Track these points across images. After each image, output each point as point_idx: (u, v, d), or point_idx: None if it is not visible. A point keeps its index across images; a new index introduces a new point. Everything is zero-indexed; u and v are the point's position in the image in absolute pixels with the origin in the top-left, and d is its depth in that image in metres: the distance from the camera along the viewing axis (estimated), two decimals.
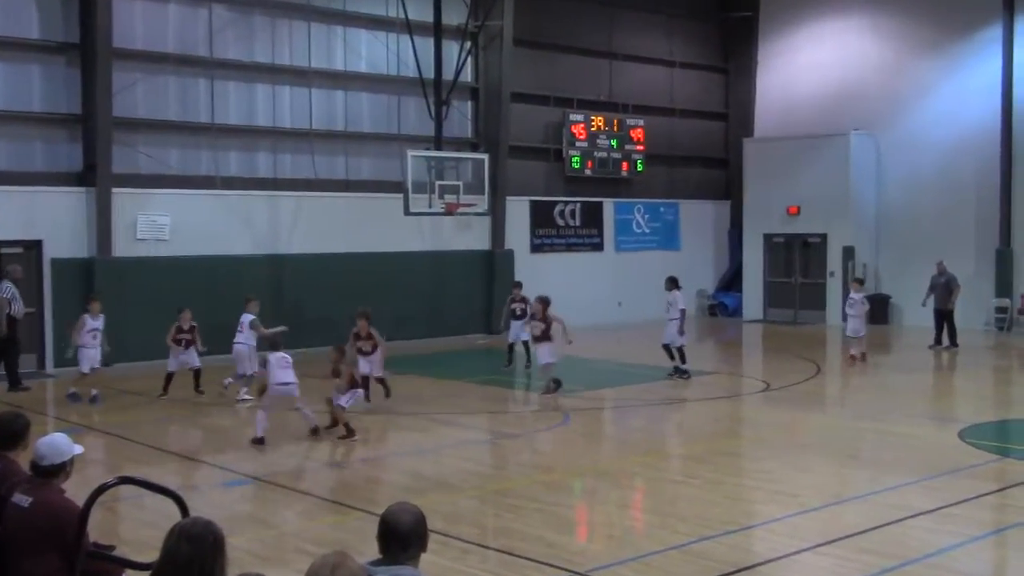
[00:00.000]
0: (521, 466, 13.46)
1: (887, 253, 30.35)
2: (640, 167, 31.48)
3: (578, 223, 30.45)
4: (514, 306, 21.94)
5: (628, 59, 31.77)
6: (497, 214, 27.90)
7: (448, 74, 25.48)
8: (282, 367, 14.63)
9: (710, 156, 34.39)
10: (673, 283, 20.39)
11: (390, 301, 25.75)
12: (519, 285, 22.54)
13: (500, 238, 28.26)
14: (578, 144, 30.04)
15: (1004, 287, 27.91)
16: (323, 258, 24.85)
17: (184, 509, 5.68)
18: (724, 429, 15.89)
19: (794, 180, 30.85)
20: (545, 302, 19.16)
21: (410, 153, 23.55)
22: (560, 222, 30.05)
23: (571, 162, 29.96)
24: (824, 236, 30.61)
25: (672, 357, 20.12)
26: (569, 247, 30.27)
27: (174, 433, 15.57)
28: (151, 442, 14.42)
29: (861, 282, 24.45)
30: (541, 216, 29.59)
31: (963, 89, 28.75)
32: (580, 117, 30.11)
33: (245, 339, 18.10)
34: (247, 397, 17.52)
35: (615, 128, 30.83)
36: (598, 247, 30.98)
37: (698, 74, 33.82)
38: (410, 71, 25.79)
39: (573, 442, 14.71)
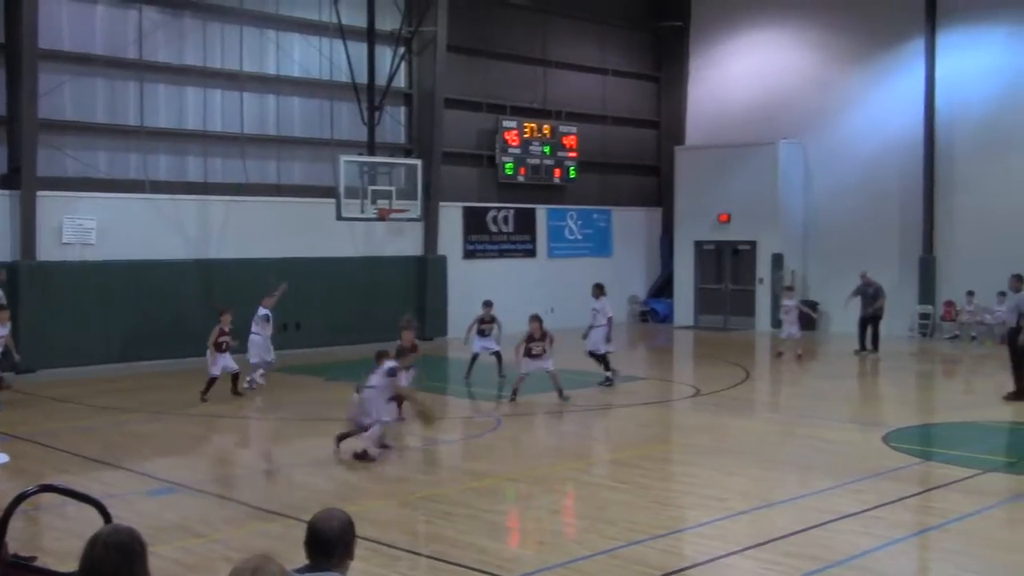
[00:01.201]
0: (453, 472, 13.41)
1: (815, 260, 30.81)
2: (573, 174, 31.62)
3: (511, 229, 30.49)
4: (483, 327, 21.19)
5: (561, 67, 31.91)
6: (430, 220, 27.83)
7: (381, 79, 25.38)
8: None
9: (642, 164, 34.64)
10: (600, 290, 20.49)
11: (322, 307, 25.61)
12: (489, 304, 21.64)
13: (433, 244, 28.20)
14: (511, 151, 30.09)
15: (927, 294, 28.48)
16: (254, 263, 24.57)
17: (107, 517, 5.57)
18: (654, 434, 15.98)
19: (724, 188, 31.19)
20: (540, 319, 18.72)
21: (342, 158, 23.42)
22: (493, 228, 30.06)
23: (504, 168, 29.99)
24: (754, 243, 30.98)
25: (603, 364, 20.24)
26: (502, 253, 30.29)
27: (98, 440, 15.27)
28: (74, 449, 14.13)
29: (791, 289, 25.22)
30: (474, 222, 29.58)
31: (888, 100, 29.31)
32: (513, 124, 30.16)
33: (260, 330, 19.37)
34: (260, 382, 19.18)
35: (548, 135, 30.93)
36: (531, 253, 31.04)
37: (630, 82, 34.06)
38: (343, 76, 25.64)
39: (505, 448, 14.68)
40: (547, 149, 30.95)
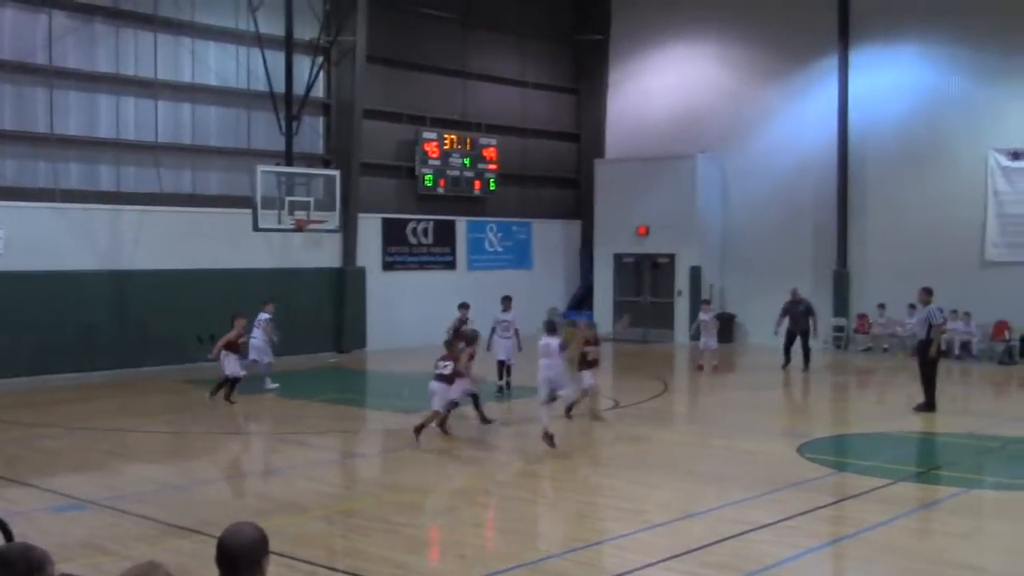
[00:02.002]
0: (371, 486, 13.33)
1: (732, 273, 31.23)
2: (493, 186, 31.69)
3: (430, 241, 30.43)
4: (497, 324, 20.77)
5: (482, 79, 31.98)
6: (348, 231, 27.66)
7: (300, 89, 25.20)
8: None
9: (562, 176, 34.84)
10: (509, 302, 20.99)
11: None
12: (708, 301, 23.20)
13: (351, 255, 28.03)
14: (431, 162, 30.05)
15: (841, 307, 29.04)
16: (168, 274, 24.20)
17: (8, 535, 5.41)
18: (573, 447, 16.04)
19: (643, 201, 31.50)
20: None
21: (260, 168, 23.20)
22: (412, 240, 29.97)
23: (424, 180, 29.94)
24: (672, 256, 31.32)
25: (507, 373, 20.49)
26: (421, 265, 30.22)
27: (3, 456, 14.87)
28: None
29: (708, 303, 25.59)
30: (393, 234, 29.47)
31: (803, 115, 29.89)
32: (433, 135, 30.14)
33: (260, 333, 20.76)
34: (273, 386, 20.67)
35: (468, 147, 30.97)
36: (451, 265, 31.01)
37: (550, 95, 34.27)
38: (261, 85, 25.38)
39: (423, 462, 14.62)
40: (467, 161, 30.97)
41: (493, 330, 20.68)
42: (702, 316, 24.76)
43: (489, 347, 20.43)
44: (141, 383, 22.10)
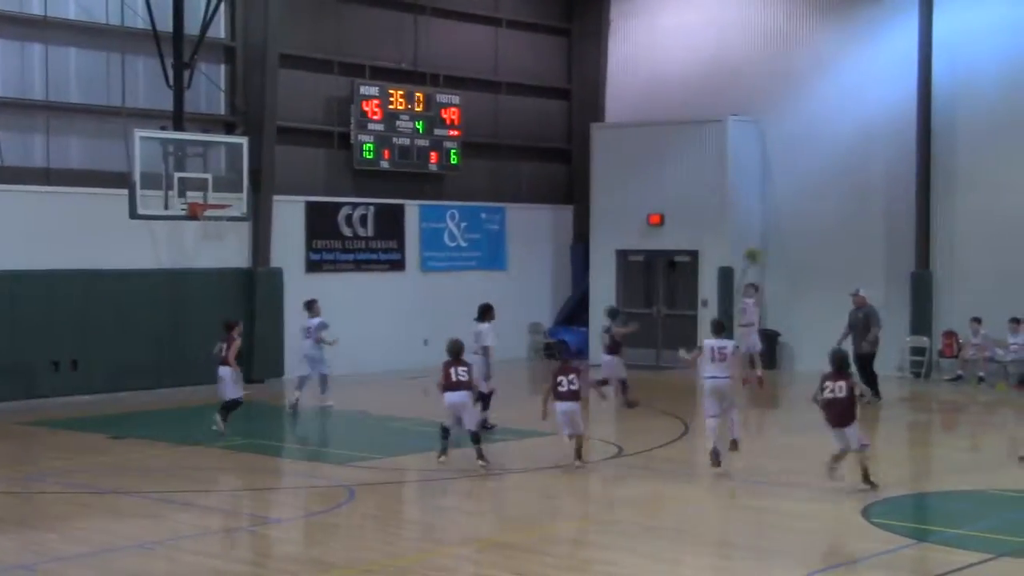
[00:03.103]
0: (288, 562, 13.22)
1: (775, 278, 31.19)
2: (455, 159, 31.61)
3: (371, 233, 30.33)
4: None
5: (439, 14, 31.93)
6: (260, 219, 27.54)
7: (193, 27, 25.07)
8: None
9: (547, 146, 34.80)
10: (489, 312, 21.27)
11: (109, 338, 25.11)
12: (615, 312, 24.81)
13: (264, 252, 27.91)
14: (371, 127, 29.96)
15: (922, 322, 29.03)
16: (11, 278, 24.02)
17: None
18: (562, 509, 15.97)
19: (657, 180, 31.48)
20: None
21: (139, 133, 23.10)
22: (347, 231, 29.86)
23: (362, 151, 29.84)
24: (695, 254, 31.30)
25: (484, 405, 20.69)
26: (359, 265, 30.11)
27: None
28: None
29: (756, 288, 25.57)
30: (321, 223, 29.35)
31: (870, 65, 29.90)
32: (374, 90, 30.05)
33: (310, 343, 23.56)
34: (329, 403, 23.65)
35: (421, 106, 30.89)
36: (398, 265, 30.91)
37: (531, 37, 34.24)
38: (140, 22, 25.24)
39: (360, 528, 14.54)
40: (420, 125, 30.88)
41: None
42: (745, 300, 24.96)
43: None
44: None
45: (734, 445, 17.75)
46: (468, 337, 20.63)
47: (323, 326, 23.83)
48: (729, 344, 18.04)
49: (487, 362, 20.81)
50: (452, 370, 17.88)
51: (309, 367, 23.81)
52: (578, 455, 17.81)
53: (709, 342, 17.85)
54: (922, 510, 15.99)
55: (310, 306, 24.11)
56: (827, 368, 16.66)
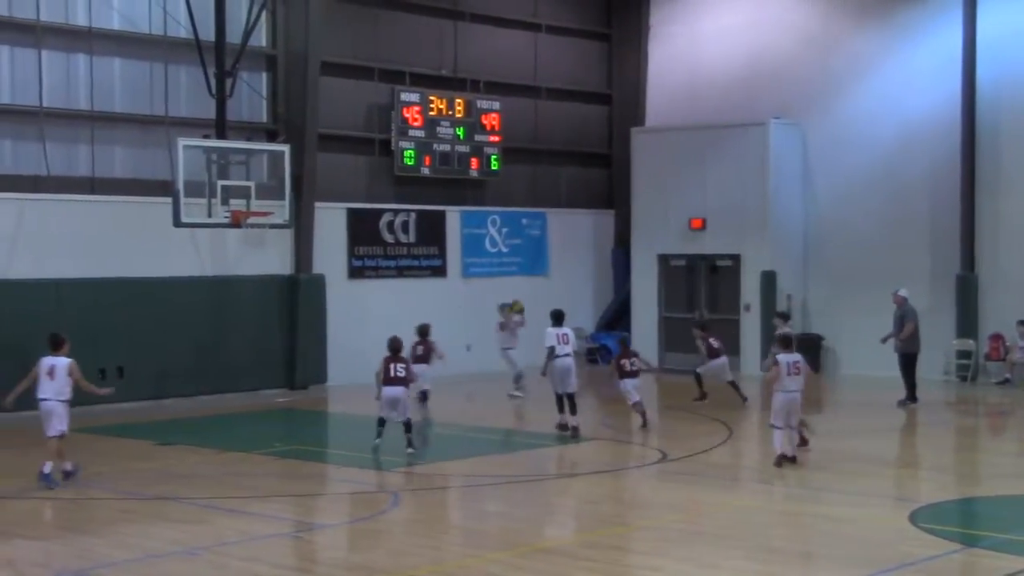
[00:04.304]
0: (333, 568, 13.26)
1: (817, 281, 31.12)
2: (495, 165, 31.66)
3: (412, 239, 30.39)
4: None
5: (479, 20, 31.98)
6: (303, 227, 27.64)
7: (235, 36, 25.17)
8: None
9: (588, 151, 34.81)
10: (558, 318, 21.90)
11: (152, 346, 25.24)
12: (786, 317, 25.61)
13: (306, 259, 28.00)
14: (412, 133, 30.04)
15: (968, 325, 28.87)
16: (58, 286, 24.18)
17: None
18: (606, 514, 15.94)
19: (698, 184, 31.43)
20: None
21: (182, 142, 23.16)
22: (388, 238, 29.94)
23: (403, 157, 29.93)
24: (737, 258, 31.24)
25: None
26: (401, 271, 30.18)
27: None
28: None
29: (786, 318, 25.46)
30: (363, 229, 29.44)
31: (914, 67, 29.79)
32: (415, 97, 30.13)
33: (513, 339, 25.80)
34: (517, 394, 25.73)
35: (462, 112, 30.95)
36: (440, 272, 30.97)
37: (571, 42, 34.26)
38: (182, 31, 25.40)
39: (404, 534, 14.57)
40: (461, 131, 30.95)
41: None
42: (779, 333, 24.75)
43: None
44: (20, 432, 22.04)
45: (794, 460, 18.12)
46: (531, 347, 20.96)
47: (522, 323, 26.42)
48: (801, 358, 18.43)
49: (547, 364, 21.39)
50: (391, 366, 19.20)
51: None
52: (643, 421, 21.71)
53: (783, 357, 18.21)
54: (970, 515, 15.87)
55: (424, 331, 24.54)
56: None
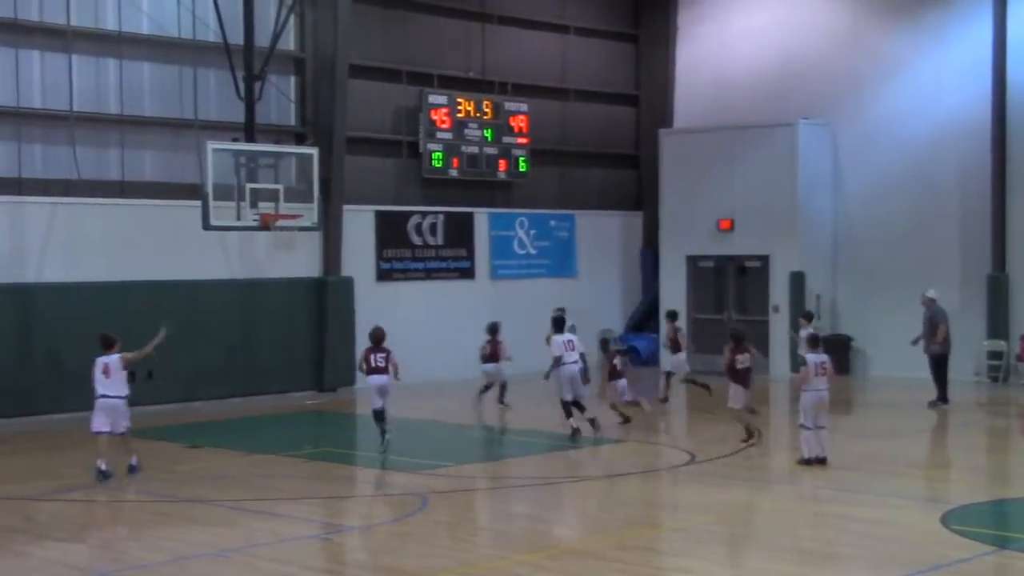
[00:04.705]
0: (362, 570, 13.30)
1: (847, 282, 31.02)
2: (523, 167, 31.67)
3: (441, 241, 30.43)
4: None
5: (507, 22, 32.00)
6: (331, 229, 27.70)
7: (263, 40, 25.24)
8: None
9: (616, 152, 34.78)
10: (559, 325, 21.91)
11: (182, 348, 25.29)
12: (811, 317, 26.11)
13: (335, 262, 28.06)
14: (440, 135, 30.07)
15: (999, 325, 28.72)
16: (88, 289, 24.30)
17: None
18: (635, 516, 15.93)
19: (726, 185, 31.37)
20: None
21: (211, 145, 23.22)
22: (417, 240, 29.98)
23: (431, 159, 29.96)
24: (766, 259, 31.16)
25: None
26: (429, 274, 30.22)
27: None
28: None
29: (810, 318, 25.44)
30: (391, 232, 29.49)
31: (942, 66, 29.64)
32: (443, 99, 30.16)
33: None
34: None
35: (489, 114, 30.97)
36: (468, 273, 30.99)
37: (599, 43, 34.23)
38: (211, 35, 25.48)
39: (432, 536, 14.57)
40: (488, 133, 30.97)
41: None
42: (801, 334, 24.76)
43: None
44: (53, 435, 22.17)
45: (824, 461, 18.11)
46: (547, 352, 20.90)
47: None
48: (828, 359, 18.42)
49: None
50: (372, 356, 19.70)
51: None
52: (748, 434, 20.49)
53: (812, 357, 18.32)
54: (1002, 517, 15.77)
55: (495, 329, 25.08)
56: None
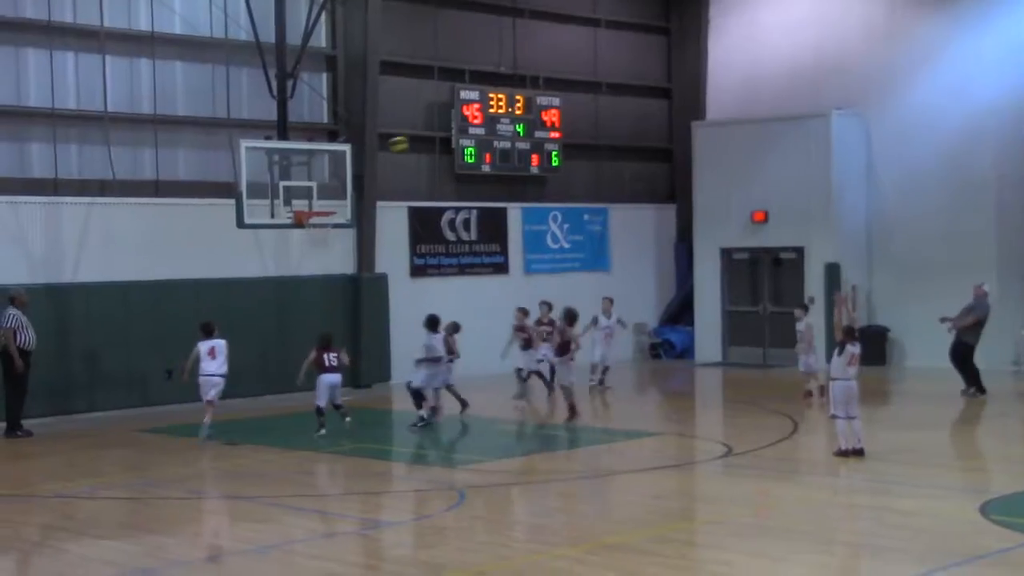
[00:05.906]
0: (400, 565, 13.32)
1: (882, 273, 30.91)
2: (556, 161, 31.66)
3: (474, 237, 30.45)
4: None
5: (538, 16, 31.97)
6: (365, 226, 27.75)
7: (294, 38, 25.30)
8: None
9: (649, 146, 34.73)
10: (439, 326, 23.24)
11: None
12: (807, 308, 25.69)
13: (369, 258, 28.12)
14: (472, 131, 30.09)
15: None
16: (123, 288, 24.42)
17: None
18: (672, 509, 15.95)
19: (760, 177, 31.30)
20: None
21: (244, 144, 23.27)
22: (450, 236, 30.01)
23: (463, 155, 29.99)
24: (800, 251, 31.08)
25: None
26: (463, 269, 30.24)
27: None
28: None
29: (806, 308, 25.34)
30: (424, 228, 29.53)
31: (978, 56, 29.47)
32: (474, 94, 30.18)
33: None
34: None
35: (521, 109, 30.96)
36: (502, 268, 31.01)
37: (630, 36, 34.19)
38: (242, 34, 25.55)
39: (470, 531, 14.63)
40: (520, 128, 30.97)
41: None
42: (798, 326, 24.76)
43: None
44: (89, 433, 22.30)
45: (862, 452, 18.12)
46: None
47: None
48: (858, 347, 18.35)
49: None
50: (325, 356, 21.24)
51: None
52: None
53: (849, 348, 18.18)
54: None
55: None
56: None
